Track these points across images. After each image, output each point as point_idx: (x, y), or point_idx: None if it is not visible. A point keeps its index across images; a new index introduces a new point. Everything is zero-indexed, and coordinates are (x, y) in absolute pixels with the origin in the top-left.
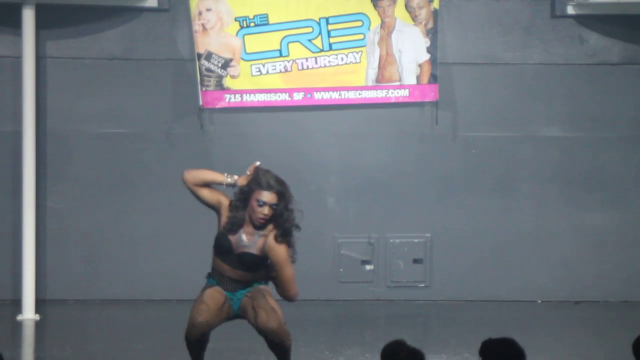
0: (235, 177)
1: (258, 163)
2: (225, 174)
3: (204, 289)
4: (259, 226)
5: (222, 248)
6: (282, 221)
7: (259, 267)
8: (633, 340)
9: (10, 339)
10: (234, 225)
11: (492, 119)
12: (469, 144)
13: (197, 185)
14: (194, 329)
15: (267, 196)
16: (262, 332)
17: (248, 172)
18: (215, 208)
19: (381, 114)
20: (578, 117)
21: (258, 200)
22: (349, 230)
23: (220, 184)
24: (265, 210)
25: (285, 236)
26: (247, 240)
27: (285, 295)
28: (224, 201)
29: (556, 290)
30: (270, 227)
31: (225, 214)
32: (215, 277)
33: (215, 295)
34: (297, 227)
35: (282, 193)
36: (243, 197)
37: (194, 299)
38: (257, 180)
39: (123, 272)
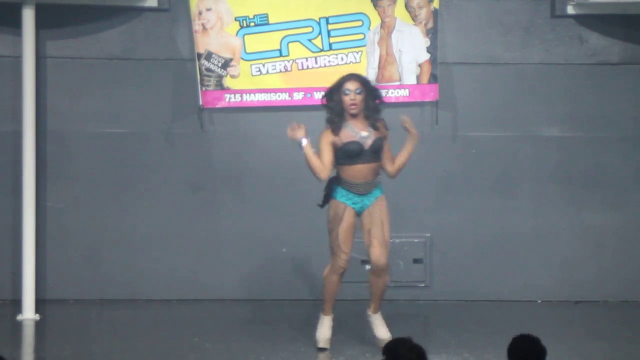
0: (305, 141)
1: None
2: (307, 146)
3: (335, 211)
4: (355, 114)
5: (353, 151)
6: (371, 101)
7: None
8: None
9: (10, 339)
10: (337, 126)
11: (492, 118)
12: (469, 143)
13: (328, 168)
14: (343, 262)
15: (350, 85)
16: (372, 263)
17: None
18: (336, 148)
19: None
20: (578, 117)
21: (344, 91)
22: None
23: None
24: (352, 96)
25: (379, 113)
26: (365, 132)
27: (398, 170)
28: (329, 138)
29: (556, 290)
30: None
31: (337, 138)
32: (346, 186)
33: (349, 220)
34: (381, 101)
35: (360, 77)
36: (333, 106)
37: (194, 299)
38: (338, 82)
39: (123, 272)
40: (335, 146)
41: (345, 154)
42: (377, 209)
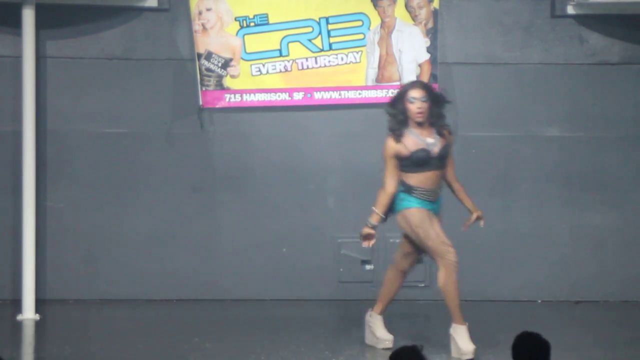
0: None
1: None
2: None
3: (418, 216)
4: (421, 122)
5: (422, 159)
6: (436, 108)
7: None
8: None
9: (10, 339)
10: (400, 134)
11: (492, 118)
12: (469, 143)
13: (396, 181)
14: (455, 256)
15: (416, 92)
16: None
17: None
18: (402, 156)
19: (381, 114)
20: (578, 117)
21: (409, 99)
22: (349, 230)
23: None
24: (418, 104)
25: (443, 119)
26: (431, 140)
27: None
28: (393, 149)
29: (556, 290)
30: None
31: (402, 146)
32: (417, 194)
33: (434, 217)
34: (447, 100)
35: (425, 85)
36: (396, 114)
37: (194, 299)
38: (402, 90)
39: (123, 272)
40: (399, 155)
41: (414, 162)
42: (440, 215)
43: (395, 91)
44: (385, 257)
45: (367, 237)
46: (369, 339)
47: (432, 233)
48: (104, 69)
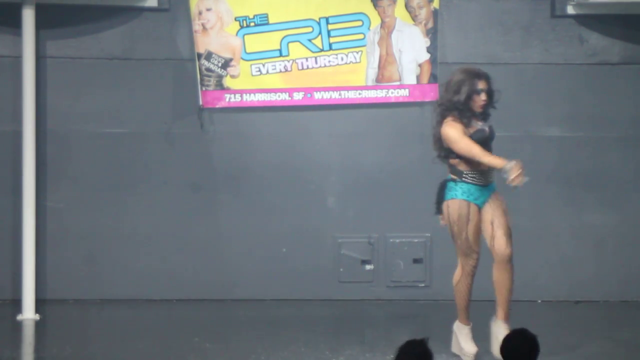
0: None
1: None
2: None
3: (459, 212)
4: (481, 113)
5: (482, 138)
6: (491, 101)
7: None
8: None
9: (10, 339)
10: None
11: (492, 118)
12: None
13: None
14: (476, 262)
15: (482, 84)
16: (496, 255)
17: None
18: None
19: (381, 114)
20: (577, 117)
21: (477, 90)
22: (349, 230)
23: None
24: (483, 96)
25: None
26: (480, 123)
27: None
28: (461, 128)
29: (556, 290)
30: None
31: (463, 127)
32: (469, 178)
33: (475, 218)
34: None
35: (488, 76)
36: (457, 99)
37: (193, 299)
38: (471, 78)
39: (123, 271)
40: (448, 145)
41: (476, 141)
42: (497, 200)
43: (458, 75)
44: (385, 257)
45: (518, 169)
46: (454, 347)
47: (464, 234)
48: (103, 69)
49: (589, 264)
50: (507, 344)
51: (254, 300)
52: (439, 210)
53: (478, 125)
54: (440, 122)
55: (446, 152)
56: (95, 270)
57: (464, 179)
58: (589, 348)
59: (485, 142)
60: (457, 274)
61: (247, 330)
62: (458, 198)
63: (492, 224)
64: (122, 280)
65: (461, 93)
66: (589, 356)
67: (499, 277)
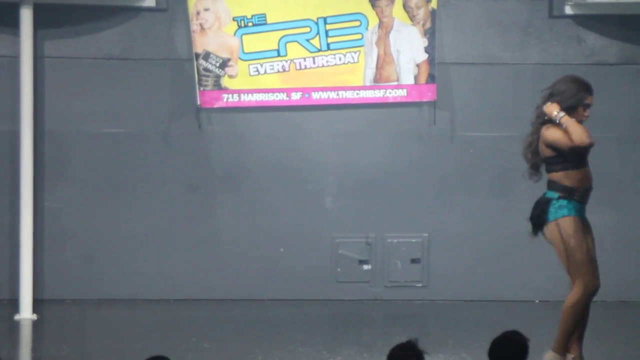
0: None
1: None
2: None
3: (576, 229)
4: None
5: (586, 149)
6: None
7: None
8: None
9: (7, 338)
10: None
11: (490, 118)
12: (467, 143)
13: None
14: (598, 281)
15: (591, 100)
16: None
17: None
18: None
19: (379, 114)
20: None
21: (585, 104)
22: (347, 230)
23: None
24: (588, 112)
25: None
26: None
27: None
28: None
29: (554, 290)
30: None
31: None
32: (579, 197)
33: (588, 240)
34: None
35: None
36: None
37: (192, 298)
38: (582, 92)
39: (121, 271)
40: (559, 146)
41: (580, 154)
42: (590, 227)
43: (569, 84)
44: (382, 258)
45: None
46: None
47: (584, 246)
48: (101, 69)
49: None
50: (495, 348)
51: (252, 300)
52: (536, 231)
53: None
54: (538, 130)
55: (546, 161)
56: (93, 270)
57: (575, 196)
58: (588, 348)
59: (586, 154)
60: (574, 295)
61: (244, 330)
62: (572, 215)
63: (592, 241)
64: (120, 280)
65: (570, 103)
66: (587, 356)
67: (586, 310)
